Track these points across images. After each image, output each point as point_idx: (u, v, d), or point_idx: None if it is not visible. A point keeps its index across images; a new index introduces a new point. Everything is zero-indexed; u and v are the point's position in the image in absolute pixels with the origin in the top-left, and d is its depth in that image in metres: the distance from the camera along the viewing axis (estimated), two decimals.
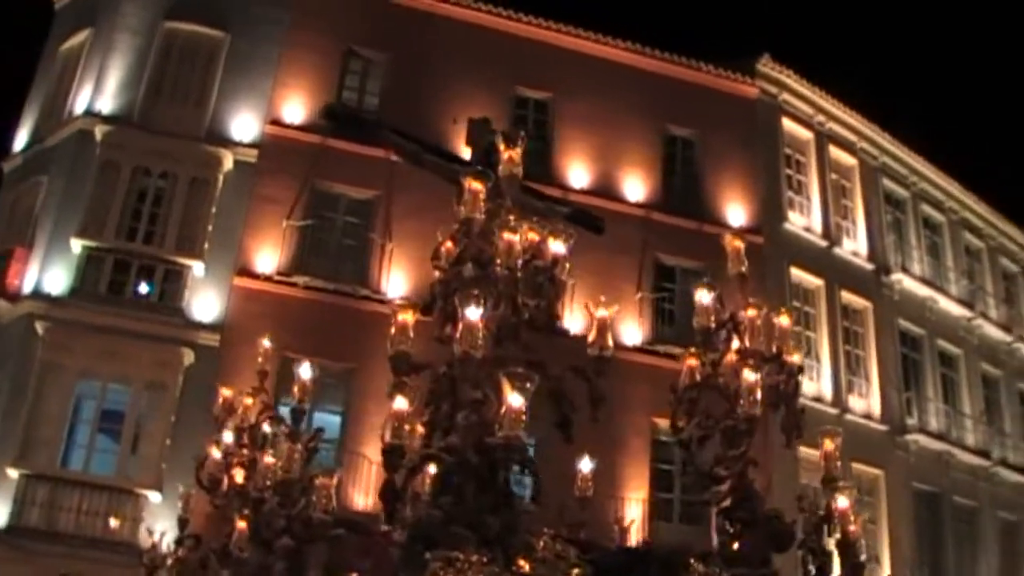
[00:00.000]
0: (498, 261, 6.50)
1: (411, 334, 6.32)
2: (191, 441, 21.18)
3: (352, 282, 24.08)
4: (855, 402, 28.15)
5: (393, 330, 6.36)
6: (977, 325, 32.50)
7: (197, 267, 22.93)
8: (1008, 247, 36.03)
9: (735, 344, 7.19)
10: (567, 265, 6.94)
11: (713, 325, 7.39)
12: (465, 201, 6.79)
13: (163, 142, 23.53)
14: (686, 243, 26.94)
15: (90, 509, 20.56)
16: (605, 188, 26.69)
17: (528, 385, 5.53)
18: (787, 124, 30.33)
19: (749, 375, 6.77)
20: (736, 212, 28.35)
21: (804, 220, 29.59)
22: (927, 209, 33.29)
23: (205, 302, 22.89)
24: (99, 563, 19.38)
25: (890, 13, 65.92)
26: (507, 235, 6.65)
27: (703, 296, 7.53)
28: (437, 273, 6.93)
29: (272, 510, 7.38)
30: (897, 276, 30.47)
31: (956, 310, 31.93)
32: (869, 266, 30.21)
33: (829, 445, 7.04)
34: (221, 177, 23.80)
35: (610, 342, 6.62)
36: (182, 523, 9.16)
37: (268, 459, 7.87)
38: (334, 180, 24.85)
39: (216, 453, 8.95)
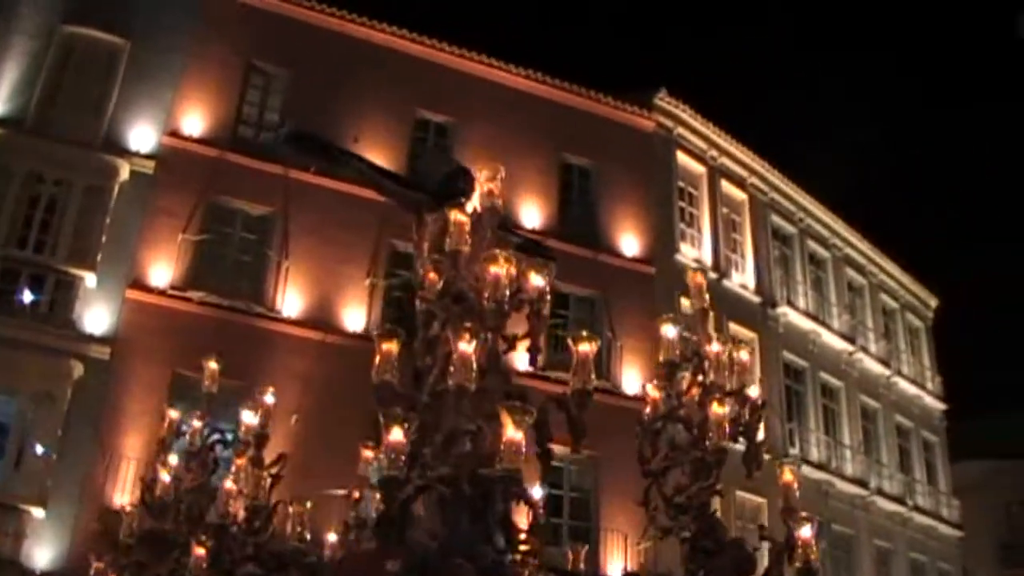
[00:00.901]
0: (486, 294, 6.50)
1: (396, 363, 6.24)
2: (79, 456, 20.72)
3: (247, 299, 23.71)
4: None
5: (377, 359, 6.27)
6: (858, 359, 33.61)
7: (89, 278, 22.21)
8: (888, 284, 37.45)
9: (699, 378, 7.27)
10: (548, 299, 6.99)
11: (678, 359, 7.46)
12: (450, 233, 6.79)
13: (58, 148, 22.75)
14: (580, 271, 27.16)
15: None
16: (503, 214, 26.71)
17: (527, 418, 5.55)
18: (681, 158, 30.91)
19: (718, 409, 6.89)
20: (630, 242, 28.75)
21: (695, 252, 30.14)
22: (813, 245, 34.34)
23: (97, 314, 22.21)
24: None
25: (786, 55, 67.84)
26: (493, 268, 6.68)
27: (668, 330, 7.62)
28: (419, 303, 6.87)
29: (238, 537, 7.20)
30: (783, 309, 31.29)
31: (838, 344, 32.98)
32: (756, 299, 30.92)
33: (788, 476, 7.20)
34: (117, 187, 23.11)
35: (592, 376, 6.63)
36: (125, 548, 8.85)
37: (228, 484, 7.68)
38: (232, 195, 24.47)
39: (165, 477, 8.68)
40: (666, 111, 30.73)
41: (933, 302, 39.58)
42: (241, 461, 8.34)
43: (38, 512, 20.18)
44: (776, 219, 33.21)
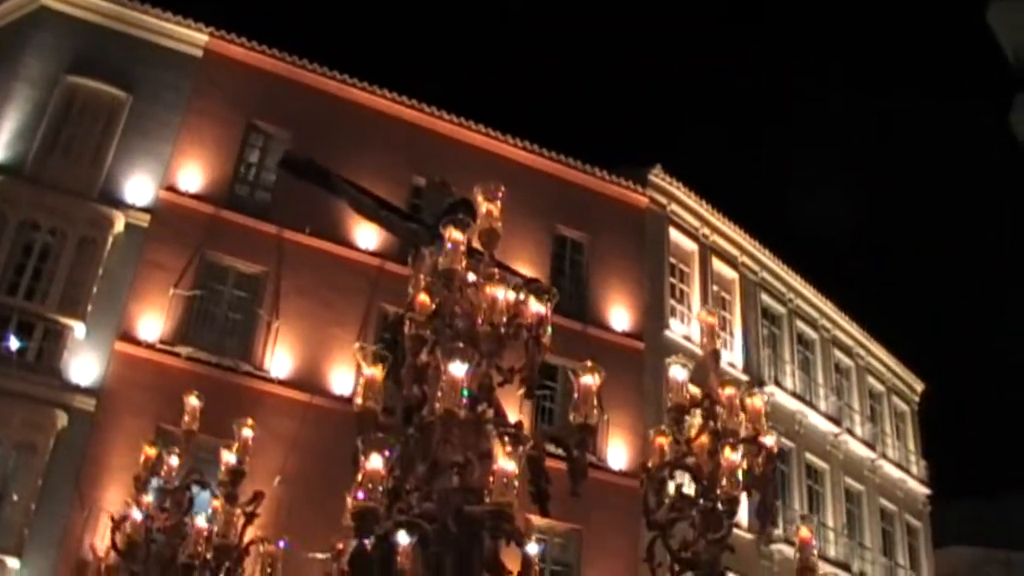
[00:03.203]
0: (480, 319, 6.25)
1: (380, 390, 5.98)
2: (57, 507, 20.49)
3: (236, 357, 23.64)
4: None
5: (361, 384, 6.02)
6: (843, 441, 33.56)
7: (79, 328, 22.13)
8: (875, 367, 37.48)
9: (710, 424, 6.98)
10: (548, 327, 6.60)
11: (687, 403, 7.16)
12: (446, 252, 6.54)
13: (54, 198, 22.76)
14: (570, 343, 27.01)
15: None
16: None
17: (522, 448, 5.35)
18: (674, 234, 31.06)
19: (731, 455, 6.61)
20: (620, 316, 28.75)
21: (684, 328, 30.09)
22: (801, 326, 34.42)
23: (84, 365, 22.09)
24: None
25: (782, 137, 68.50)
26: (490, 289, 6.35)
27: (677, 372, 7.33)
28: (408, 326, 6.60)
29: None
30: (770, 389, 31.18)
31: (824, 425, 32.92)
32: (744, 377, 30.74)
33: (805, 533, 7.03)
34: (111, 239, 23.11)
35: (595, 411, 6.28)
36: None
37: (200, 523, 7.55)
38: (225, 252, 24.50)
39: (137, 515, 8.52)
40: (660, 188, 30.95)
41: (919, 386, 39.58)
42: (218, 503, 8.23)
43: (13, 562, 19.87)
44: (766, 299, 33.33)
